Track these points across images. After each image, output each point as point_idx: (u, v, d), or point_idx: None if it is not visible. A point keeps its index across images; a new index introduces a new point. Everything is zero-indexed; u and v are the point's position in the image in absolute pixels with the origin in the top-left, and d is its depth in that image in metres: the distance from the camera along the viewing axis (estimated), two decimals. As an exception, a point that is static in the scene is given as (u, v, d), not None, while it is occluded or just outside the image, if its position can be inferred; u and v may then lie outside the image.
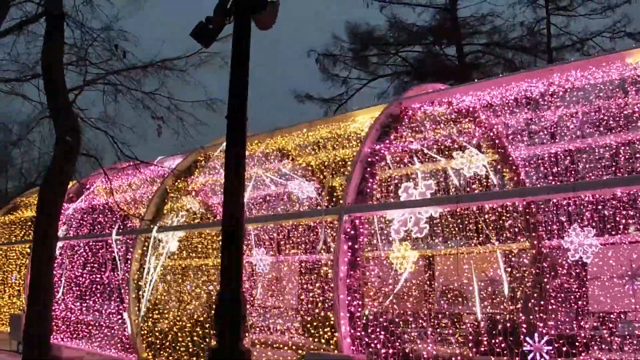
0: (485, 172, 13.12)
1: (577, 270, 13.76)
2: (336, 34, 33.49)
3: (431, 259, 14.12)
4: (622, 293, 13.44)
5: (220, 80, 16.39)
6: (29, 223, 20.05)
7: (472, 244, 14.41)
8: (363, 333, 10.32)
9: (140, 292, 14.63)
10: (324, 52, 33.55)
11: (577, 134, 13.36)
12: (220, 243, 7.50)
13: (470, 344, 10.43)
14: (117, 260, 15.18)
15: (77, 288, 17.02)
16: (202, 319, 13.44)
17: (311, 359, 10.28)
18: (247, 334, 7.22)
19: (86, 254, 17.03)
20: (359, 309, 10.37)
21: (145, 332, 14.47)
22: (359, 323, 10.30)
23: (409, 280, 13.47)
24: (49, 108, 12.21)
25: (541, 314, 11.49)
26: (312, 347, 11.02)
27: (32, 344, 11.41)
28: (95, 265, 16.55)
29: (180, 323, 13.77)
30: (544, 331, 9.70)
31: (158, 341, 14.17)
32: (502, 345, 9.57)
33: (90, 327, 16.42)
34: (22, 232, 20.37)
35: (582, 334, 11.03)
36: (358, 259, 10.58)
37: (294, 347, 11.40)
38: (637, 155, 13.12)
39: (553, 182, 13.26)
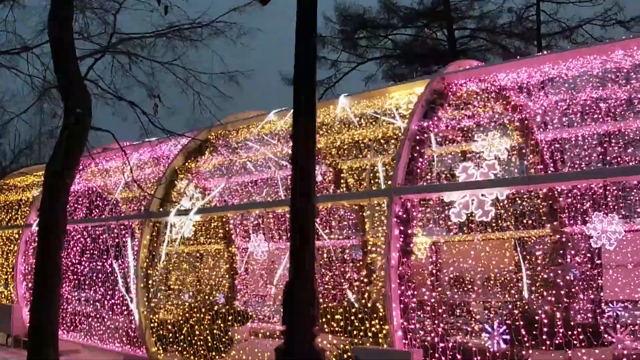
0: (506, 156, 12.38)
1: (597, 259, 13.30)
2: (327, 14, 32.50)
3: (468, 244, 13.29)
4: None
5: (231, 53, 15.35)
6: (16, 207, 18.63)
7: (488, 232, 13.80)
8: (417, 326, 9.49)
9: (150, 282, 13.51)
10: (314, 33, 32.54)
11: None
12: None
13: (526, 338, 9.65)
14: (129, 246, 13.97)
15: (74, 277, 15.75)
16: (224, 310, 12.38)
17: (361, 355, 9.37)
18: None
19: (84, 240, 15.75)
20: (413, 300, 9.52)
21: (156, 324, 13.39)
22: (412, 315, 9.46)
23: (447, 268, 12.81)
24: (57, 79, 10.94)
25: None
26: (355, 341, 10.12)
27: (40, 342, 10.14)
28: (96, 252, 15.29)
29: (198, 315, 12.69)
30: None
31: (170, 334, 13.10)
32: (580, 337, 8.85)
33: (90, 319, 15.21)
34: (8, 217, 18.88)
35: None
36: (410, 245, 9.71)
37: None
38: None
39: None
